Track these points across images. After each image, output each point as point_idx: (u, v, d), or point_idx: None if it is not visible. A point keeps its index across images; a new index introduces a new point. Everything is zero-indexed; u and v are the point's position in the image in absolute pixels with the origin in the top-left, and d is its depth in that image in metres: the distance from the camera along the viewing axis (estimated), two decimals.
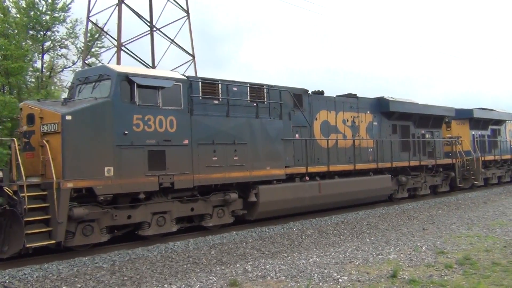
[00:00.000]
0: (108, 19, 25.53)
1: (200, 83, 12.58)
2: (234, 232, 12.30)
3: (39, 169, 10.04)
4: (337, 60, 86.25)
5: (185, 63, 26.03)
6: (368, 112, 18.27)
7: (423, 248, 10.91)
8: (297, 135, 15.13)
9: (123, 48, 23.21)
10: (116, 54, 23.18)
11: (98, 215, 10.46)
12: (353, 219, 14.90)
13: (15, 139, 9.72)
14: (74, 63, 30.79)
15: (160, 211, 11.50)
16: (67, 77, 49.98)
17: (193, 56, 26.09)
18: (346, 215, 15.53)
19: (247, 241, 11.58)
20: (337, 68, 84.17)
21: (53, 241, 9.60)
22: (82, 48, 28.25)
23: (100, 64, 11.87)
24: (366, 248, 11.15)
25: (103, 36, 29.32)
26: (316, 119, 16.08)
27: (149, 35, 25.61)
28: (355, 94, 18.38)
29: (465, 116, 24.54)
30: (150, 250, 10.42)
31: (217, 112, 12.77)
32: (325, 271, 9.02)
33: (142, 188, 10.98)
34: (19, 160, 9.45)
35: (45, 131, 10.04)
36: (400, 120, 19.63)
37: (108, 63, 37.39)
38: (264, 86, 14.32)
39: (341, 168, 16.28)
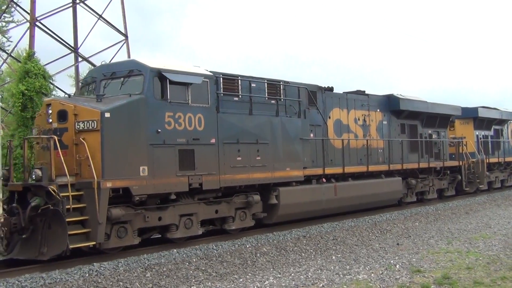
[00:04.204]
0: None
1: (221, 79, 14.16)
2: (175, 250, 12.33)
3: (73, 168, 11.36)
4: (296, 46, 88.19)
5: (116, 43, 25.90)
6: (378, 110, 20.34)
7: (397, 266, 11.24)
8: (311, 135, 16.94)
9: (38, 23, 22.77)
10: (29, 30, 22.64)
11: (131, 217, 11.91)
12: (316, 233, 15.10)
13: (55, 137, 11.04)
14: None
15: (187, 213, 13.04)
16: None
17: (126, 35, 25.93)
18: (308, 228, 15.78)
19: (191, 261, 11.59)
20: (297, 55, 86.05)
21: (93, 243, 10.99)
22: None
23: (128, 59, 13.18)
24: (332, 267, 11.39)
25: (12, 9, 28.67)
26: (330, 118, 17.98)
27: (71, 9, 25.07)
28: (364, 91, 20.44)
29: (469, 115, 27.12)
30: (70, 273, 10.24)
31: (239, 109, 14.40)
32: None
33: (173, 189, 12.50)
34: (61, 157, 10.79)
35: (80, 128, 11.40)
36: (409, 119, 21.85)
37: (19, 41, 36.73)
38: (281, 82, 16.05)
39: (355, 169, 18.26)
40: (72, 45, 25.12)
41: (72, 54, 25.24)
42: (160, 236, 13.41)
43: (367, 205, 18.99)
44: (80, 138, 11.31)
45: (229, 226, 14.20)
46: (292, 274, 10.84)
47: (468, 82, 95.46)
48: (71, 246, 10.65)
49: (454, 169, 24.52)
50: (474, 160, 25.65)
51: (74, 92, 25.57)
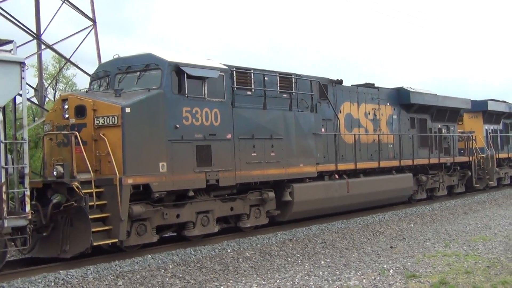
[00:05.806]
0: None
1: (235, 72, 15.01)
2: (150, 256, 12.35)
3: (92, 165, 12.09)
4: (280, 34, 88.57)
5: (83, 29, 25.71)
6: (388, 104, 21.35)
7: (391, 271, 11.39)
8: (323, 129, 17.86)
9: None
10: None
11: (150, 214, 12.74)
12: (304, 236, 15.25)
13: (76, 132, 11.83)
14: None
15: (203, 210, 13.92)
16: None
17: (94, 20, 25.72)
18: (295, 231, 15.93)
19: (167, 267, 11.59)
20: (282, 44, 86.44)
21: (116, 240, 11.82)
22: None
23: (145, 52, 13.93)
24: (320, 273, 11.46)
25: None
26: (340, 112, 18.93)
27: None
28: (373, 84, 21.43)
29: (478, 108, 28.31)
30: (34, 282, 10.23)
31: (253, 104, 15.28)
32: None
33: (192, 185, 13.37)
34: (84, 154, 11.58)
35: (100, 124, 12.19)
36: (418, 113, 22.94)
37: None
38: (293, 75, 16.96)
39: (366, 165, 19.29)
40: (34, 31, 24.74)
41: (35, 41, 24.93)
42: (175, 234, 14.28)
43: (378, 202, 20.03)
44: (100, 134, 12.10)
45: (244, 224, 15.07)
46: (278, 281, 10.97)
47: (469, 73, 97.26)
48: (96, 243, 11.47)
49: (463, 165, 25.68)
50: (484, 155, 26.85)
51: (37, 84, 25.84)
